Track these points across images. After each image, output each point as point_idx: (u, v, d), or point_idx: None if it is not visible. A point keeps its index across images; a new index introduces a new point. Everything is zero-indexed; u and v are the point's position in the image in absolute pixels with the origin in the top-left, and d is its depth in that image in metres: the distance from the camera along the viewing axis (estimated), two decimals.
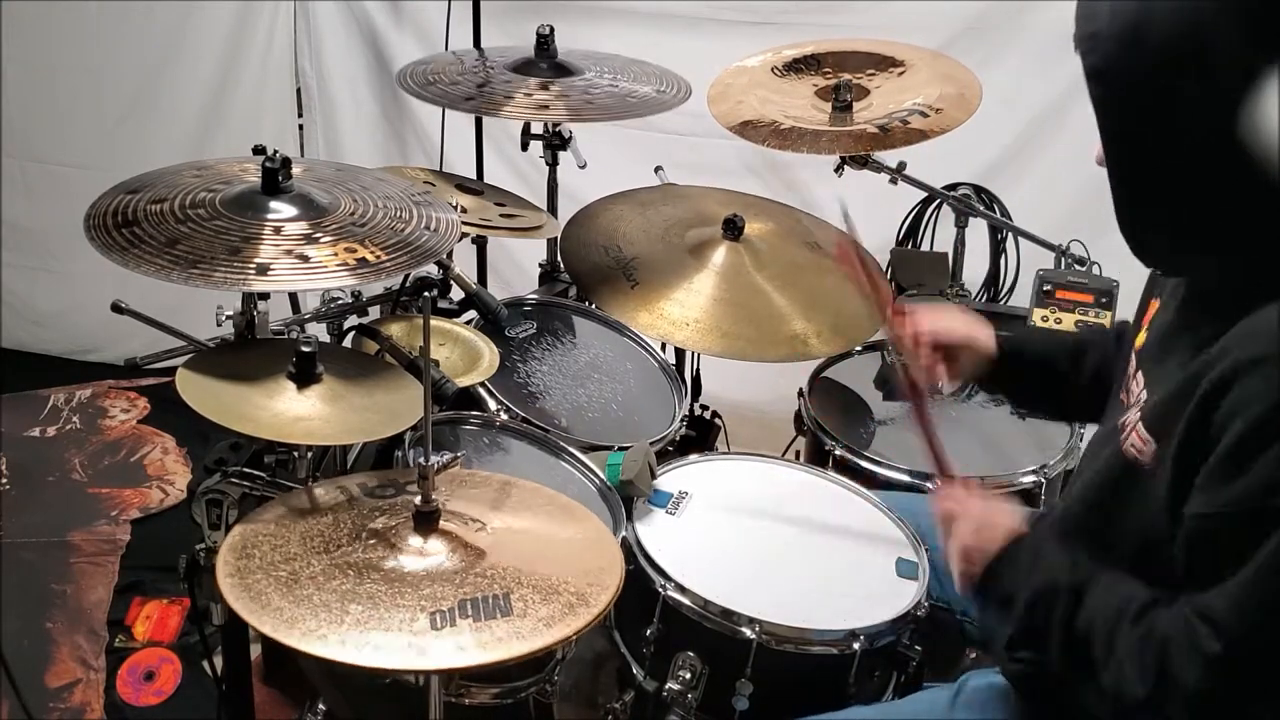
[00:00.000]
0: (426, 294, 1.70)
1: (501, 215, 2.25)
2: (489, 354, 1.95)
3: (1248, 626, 1.12)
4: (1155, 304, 1.40)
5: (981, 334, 1.66)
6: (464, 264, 2.14)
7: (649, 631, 1.65)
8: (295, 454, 1.68)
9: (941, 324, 1.66)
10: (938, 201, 2.63)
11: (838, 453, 2.05)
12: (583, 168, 2.53)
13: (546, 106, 2.24)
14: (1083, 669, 1.24)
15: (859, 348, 2.33)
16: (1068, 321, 2.26)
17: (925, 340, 1.65)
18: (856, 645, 1.58)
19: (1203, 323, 1.23)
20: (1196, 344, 1.21)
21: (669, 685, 1.62)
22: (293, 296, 1.96)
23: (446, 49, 2.90)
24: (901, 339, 1.66)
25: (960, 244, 2.51)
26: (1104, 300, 2.27)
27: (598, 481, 1.84)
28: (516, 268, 3.21)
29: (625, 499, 1.79)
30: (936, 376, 1.65)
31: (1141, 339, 1.38)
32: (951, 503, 1.43)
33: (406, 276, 1.92)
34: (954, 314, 1.70)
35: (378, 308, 2.01)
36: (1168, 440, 1.21)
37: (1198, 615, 1.15)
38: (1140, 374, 1.34)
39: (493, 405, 1.96)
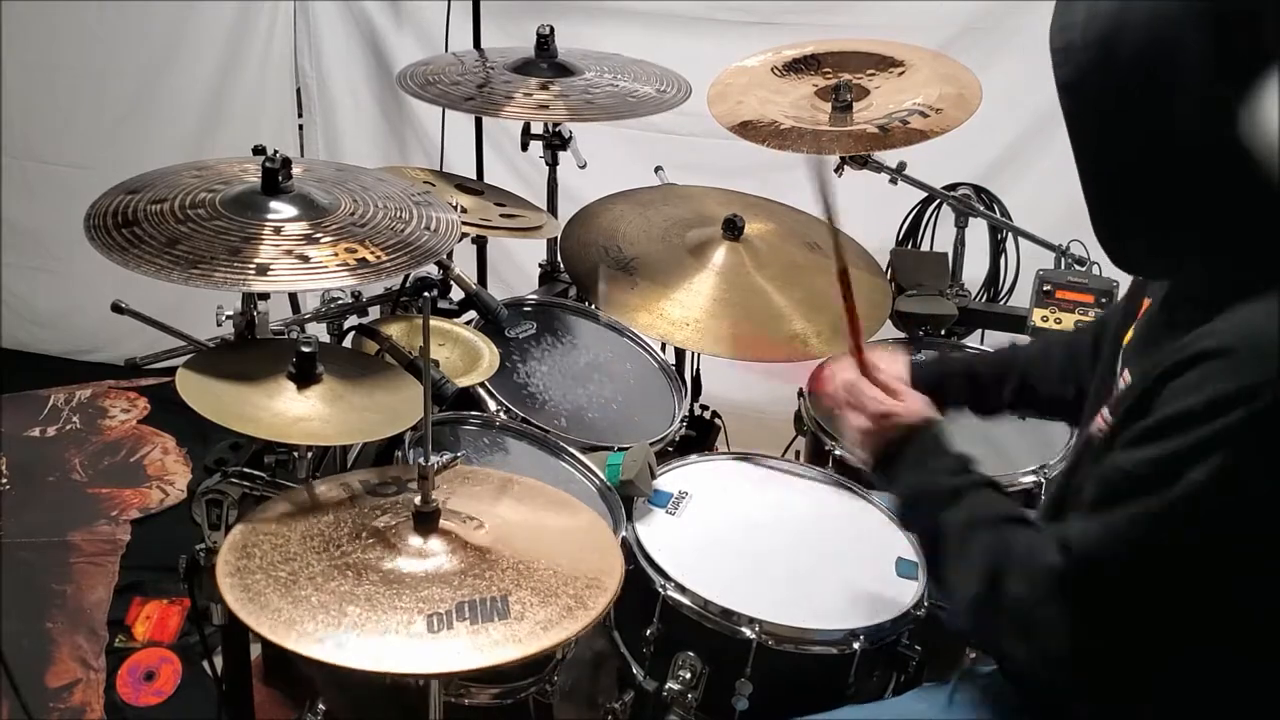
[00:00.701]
0: (426, 294, 1.69)
1: (501, 215, 2.25)
2: (489, 354, 1.95)
3: (1099, 554, 1.16)
4: (1146, 303, 1.42)
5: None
6: (464, 264, 2.14)
7: (649, 631, 1.65)
8: (295, 454, 1.68)
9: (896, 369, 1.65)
10: (938, 201, 2.63)
11: (837, 453, 2.05)
12: (583, 168, 2.53)
13: (546, 106, 2.23)
14: (936, 564, 1.33)
15: None
16: (1067, 321, 2.26)
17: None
18: (856, 645, 1.58)
19: (1183, 321, 1.25)
20: (1169, 344, 1.23)
21: (669, 685, 1.62)
22: (293, 296, 1.96)
23: (446, 49, 2.90)
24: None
25: (960, 244, 2.51)
26: (1104, 300, 2.27)
27: (598, 481, 1.84)
28: (516, 268, 3.21)
29: (625, 499, 1.79)
30: None
31: (1130, 336, 1.40)
32: (857, 383, 1.47)
33: (406, 277, 1.92)
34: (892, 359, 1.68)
35: (378, 308, 2.01)
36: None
37: (1053, 537, 1.20)
38: (1126, 371, 1.36)
39: (493, 405, 1.96)
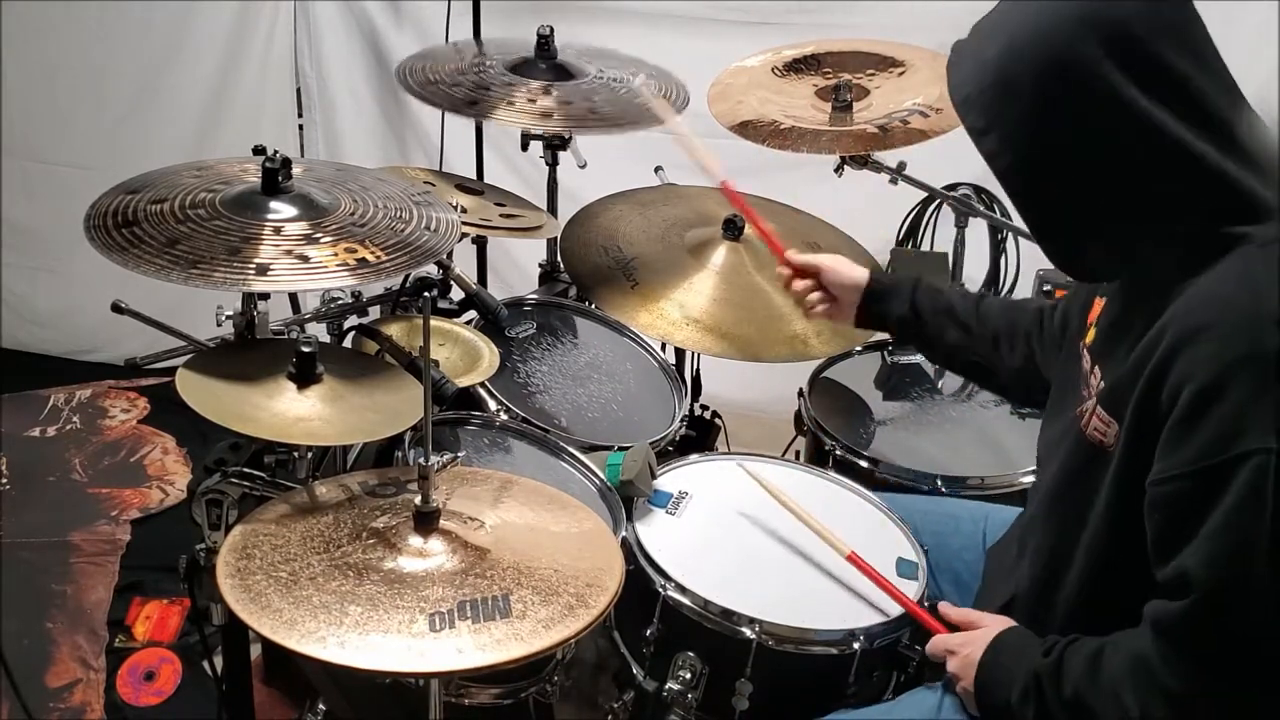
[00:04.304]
0: (426, 294, 1.70)
1: (501, 215, 2.25)
2: (489, 354, 1.95)
3: (1219, 575, 1.17)
4: (1100, 302, 1.45)
5: (845, 266, 1.85)
6: (464, 264, 2.14)
7: (649, 631, 1.65)
8: (295, 454, 1.68)
9: (810, 257, 1.88)
10: (938, 201, 2.63)
11: (838, 453, 2.05)
12: (583, 168, 2.53)
13: (550, 115, 2.22)
14: None
15: (859, 348, 2.34)
16: None
17: (797, 268, 1.88)
18: (856, 645, 1.58)
19: (1142, 309, 1.30)
20: (1138, 329, 1.28)
21: (669, 685, 1.62)
22: (293, 296, 1.96)
23: None
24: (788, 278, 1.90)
25: (960, 244, 2.51)
26: None
27: (598, 481, 1.84)
28: (516, 268, 3.22)
29: (625, 499, 1.79)
30: (810, 303, 1.88)
31: (1091, 336, 1.43)
32: (939, 645, 1.52)
33: (406, 276, 1.92)
34: (835, 256, 1.89)
35: (378, 308, 2.01)
36: (1122, 420, 1.28)
37: (1168, 589, 1.20)
38: (1097, 368, 1.37)
39: (493, 405, 1.96)
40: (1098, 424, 1.33)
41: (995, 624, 1.47)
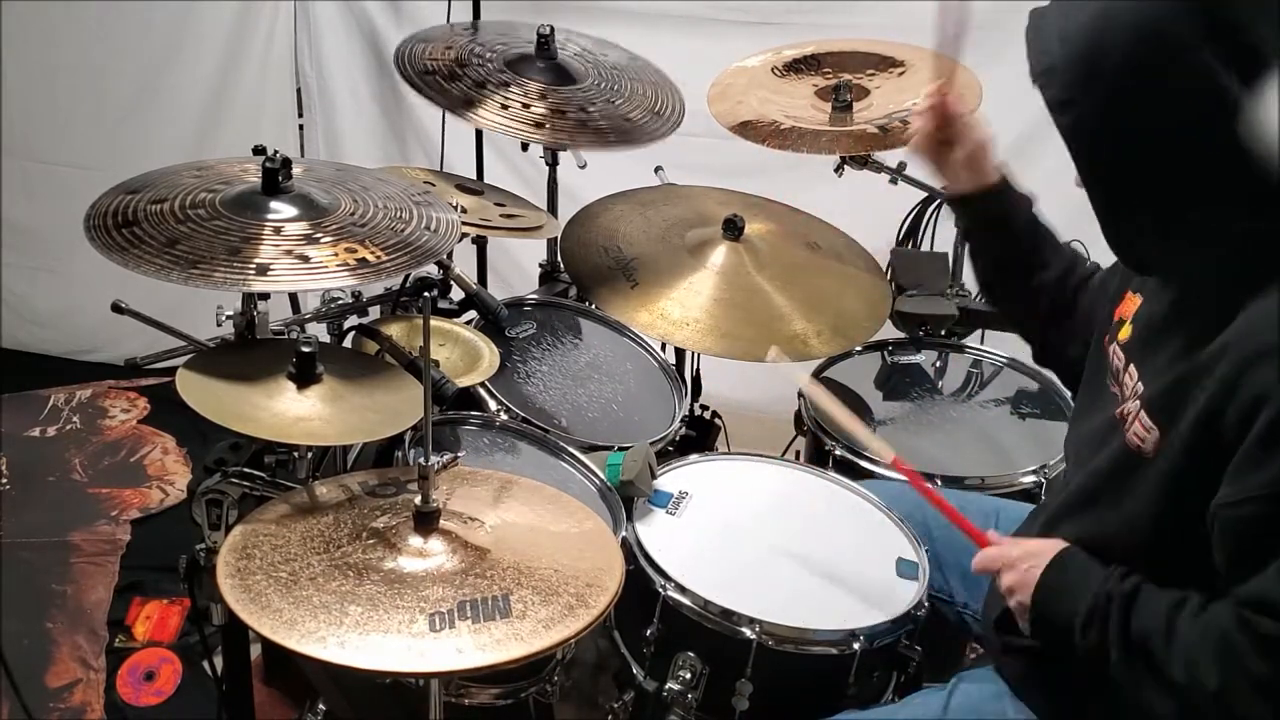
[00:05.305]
0: (426, 294, 1.70)
1: (501, 215, 2.25)
2: (489, 354, 1.96)
3: None
4: (1133, 297, 1.42)
5: (988, 149, 1.62)
6: (464, 264, 2.14)
7: (649, 631, 1.65)
8: (295, 454, 1.68)
9: (971, 120, 1.64)
10: (938, 201, 2.63)
11: (838, 453, 2.05)
12: (583, 167, 2.53)
13: (542, 125, 2.22)
14: (1147, 670, 1.25)
15: (859, 348, 2.33)
16: None
17: (941, 107, 1.64)
18: (856, 645, 1.58)
19: (1195, 314, 1.26)
20: (1191, 335, 1.24)
21: (669, 685, 1.62)
22: (293, 296, 1.96)
23: None
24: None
25: (960, 244, 2.51)
26: None
27: (598, 481, 1.84)
28: (516, 268, 3.21)
29: (625, 499, 1.79)
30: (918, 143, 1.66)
31: (1127, 333, 1.40)
32: (990, 557, 1.44)
33: (406, 277, 1.92)
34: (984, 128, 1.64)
35: (378, 308, 2.01)
36: (1172, 430, 1.24)
37: (1251, 607, 1.17)
38: (1132, 366, 1.35)
39: (493, 405, 1.96)
40: (1138, 429, 1.29)
41: (1050, 545, 1.39)
